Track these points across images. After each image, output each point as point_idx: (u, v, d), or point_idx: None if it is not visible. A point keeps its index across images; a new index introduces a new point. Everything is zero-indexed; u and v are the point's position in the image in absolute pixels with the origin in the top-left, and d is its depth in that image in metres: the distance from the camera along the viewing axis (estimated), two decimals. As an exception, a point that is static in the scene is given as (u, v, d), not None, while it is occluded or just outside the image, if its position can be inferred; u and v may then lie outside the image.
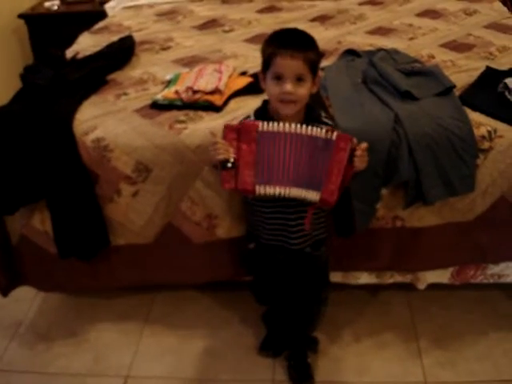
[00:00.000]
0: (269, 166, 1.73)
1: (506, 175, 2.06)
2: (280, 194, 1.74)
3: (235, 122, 1.94)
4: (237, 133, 1.72)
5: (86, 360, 2.29)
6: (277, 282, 2.07)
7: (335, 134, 1.69)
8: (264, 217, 1.90)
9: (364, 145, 1.72)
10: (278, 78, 1.71)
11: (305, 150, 1.71)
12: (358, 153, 1.70)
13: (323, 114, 1.86)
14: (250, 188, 1.74)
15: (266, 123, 1.71)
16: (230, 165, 1.72)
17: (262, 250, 1.99)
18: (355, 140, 1.72)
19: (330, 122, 1.84)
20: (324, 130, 1.69)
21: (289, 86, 1.69)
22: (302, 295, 2.06)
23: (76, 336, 2.40)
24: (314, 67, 1.74)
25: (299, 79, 1.71)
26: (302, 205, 1.80)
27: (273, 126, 1.70)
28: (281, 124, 1.70)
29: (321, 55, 2.59)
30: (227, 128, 1.75)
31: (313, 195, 1.73)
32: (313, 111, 1.83)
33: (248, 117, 1.87)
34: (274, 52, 1.71)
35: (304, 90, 1.73)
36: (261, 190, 1.74)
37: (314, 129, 1.70)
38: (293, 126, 1.70)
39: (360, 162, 1.71)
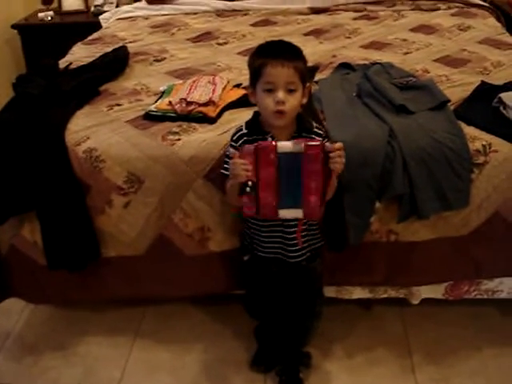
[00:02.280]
0: (289, 188, 1.71)
1: (500, 190, 2.06)
2: (297, 216, 1.76)
3: (227, 135, 1.94)
4: (255, 155, 1.67)
5: (75, 374, 2.25)
6: (270, 295, 2.05)
7: (302, 145, 1.66)
8: (261, 230, 1.89)
9: (338, 144, 1.70)
10: (270, 90, 1.71)
11: (297, 167, 1.69)
12: (333, 154, 1.68)
13: (315, 125, 1.86)
14: (274, 214, 1.73)
15: (281, 143, 1.68)
16: (248, 189, 1.67)
17: (258, 262, 1.97)
18: (328, 144, 1.70)
19: (321, 132, 1.84)
20: (294, 142, 1.68)
21: (281, 94, 1.69)
22: (295, 309, 2.04)
23: (65, 349, 2.36)
24: (303, 77, 1.74)
25: (290, 90, 1.71)
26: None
27: (289, 146, 1.68)
28: (288, 143, 1.68)
29: (316, 68, 2.62)
30: (244, 152, 1.69)
31: (298, 213, 1.73)
32: (304, 122, 1.83)
33: (240, 129, 1.86)
34: (264, 62, 1.71)
35: (295, 101, 1.73)
36: (285, 214, 1.75)
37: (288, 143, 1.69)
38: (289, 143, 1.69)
39: (337, 164, 1.69)
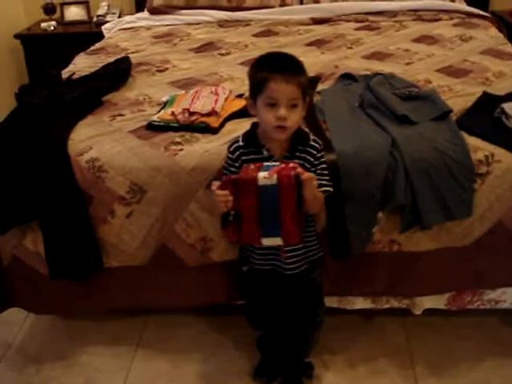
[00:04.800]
0: (271, 217, 1.72)
1: (503, 200, 2.06)
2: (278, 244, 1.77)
3: (225, 146, 1.95)
4: (234, 186, 1.70)
5: (76, 384, 2.25)
6: (270, 306, 2.05)
7: (274, 176, 1.66)
8: (254, 246, 1.90)
9: (307, 175, 1.69)
10: (272, 105, 1.71)
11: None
12: (305, 182, 1.67)
13: (311, 137, 1.85)
14: (257, 242, 1.76)
15: (262, 175, 1.68)
16: (231, 218, 1.71)
17: (256, 273, 1.97)
18: (299, 168, 1.69)
19: (317, 145, 1.84)
20: (265, 174, 1.68)
21: (283, 111, 1.69)
22: (296, 319, 2.04)
23: (66, 359, 2.35)
24: (305, 92, 1.75)
25: (293, 105, 1.71)
26: None
27: (270, 178, 1.68)
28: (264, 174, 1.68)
29: (318, 79, 2.63)
30: (224, 184, 1.72)
31: (277, 241, 1.75)
32: (300, 134, 1.83)
33: (237, 141, 1.87)
34: (267, 77, 1.70)
35: (297, 116, 1.74)
36: (267, 242, 1.76)
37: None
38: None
39: (309, 192, 1.69)
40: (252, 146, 1.82)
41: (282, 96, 1.69)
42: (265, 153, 1.80)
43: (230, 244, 2.10)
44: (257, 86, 1.74)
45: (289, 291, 1.98)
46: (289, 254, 1.87)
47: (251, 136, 1.84)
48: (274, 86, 1.69)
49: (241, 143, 1.85)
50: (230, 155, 1.86)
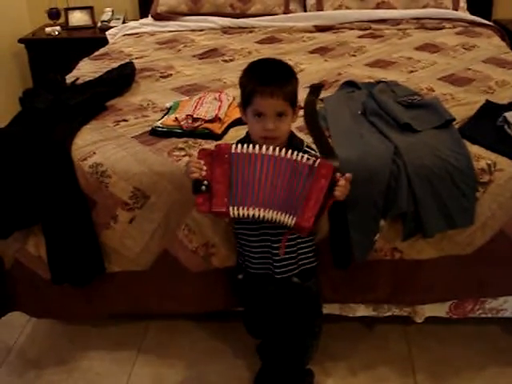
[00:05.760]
0: (243, 187, 1.72)
1: (505, 208, 2.06)
2: (254, 215, 1.72)
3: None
4: (211, 157, 1.73)
5: (77, 389, 2.25)
6: (267, 314, 2.05)
7: (318, 160, 1.69)
8: (250, 245, 1.90)
9: (348, 175, 1.72)
10: (259, 115, 1.72)
11: (283, 173, 1.70)
12: (341, 182, 1.70)
13: (305, 143, 1.85)
14: (224, 210, 1.73)
15: (240, 146, 1.72)
16: (204, 188, 1.72)
17: (251, 280, 1.98)
18: (338, 173, 1.72)
19: (312, 152, 1.84)
20: (307, 156, 1.70)
21: (271, 125, 1.70)
22: (293, 328, 2.03)
23: (67, 364, 2.35)
24: (293, 100, 1.75)
25: (280, 115, 1.71)
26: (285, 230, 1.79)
27: (247, 149, 1.71)
28: (256, 147, 1.71)
29: (321, 86, 2.63)
30: (201, 153, 1.76)
31: (288, 219, 1.71)
32: (294, 140, 1.84)
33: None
34: (253, 90, 1.71)
35: (285, 126, 1.74)
36: (235, 211, 1.73)
37: (295, 153, 1.70)
38: (270, 148, 1.70)
39: (341, 192, 1.71)
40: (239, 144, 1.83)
41: (268, 110, 1.70)
42: None
43: (232, 250, 2.10)
44: (246, 98, 1.76)
45: (284, 299, 1.98)
46: (279, 258, 1.87)
47: (245, 142, 1.85)
48: (260, 100, 1.70)
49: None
50: None
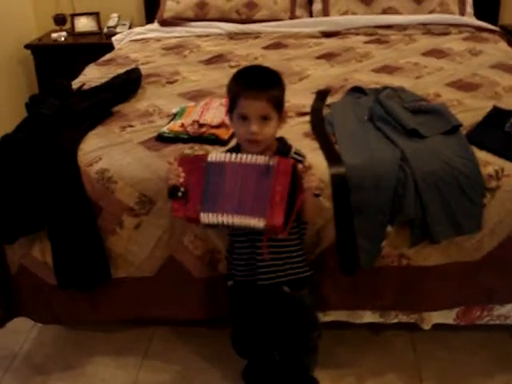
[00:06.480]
0: (215, 195, 1.74)
1: (513, 214, 2.05)
2: (223, 222, 1.74)
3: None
4: (190, 164, 1.78)
5: (82, 395, 2.24)
6: (256, 326, 2.03)
7: (275, 158, 1.70)
8: (237, 252, 1.90)
9: (307, 163, 1.74)
10: (244, 118, 1.72)
11: (250, 178, 1.72)
12: (304, 171, 1.70)
13: (293, 150, 1.84)
14: (195, 216, 1.76)
15: (216, 155, 1.75)
16: (180, 194, 1.75)
17: (238, 288, 1.96)
18: (301, 165, 1.72)
19: (300, 158, 1.82)
20: (267, 157, 1.71)
21: (254, 127, 1.70)
22: (285, 342, 2.02)
23: (73, 369, 2.35)
24: (278, 104, 1.75)
25: (265, 118, 1.71)
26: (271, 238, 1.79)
27: (220, 157, 1.74)
28: (227, 154, 1.74)
29: (327, 92, 2.62)
30: (181, 160, 1.80)
31: (258, 222, 1.71)
32: (283, 146, 1.84)
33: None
34: (238, 93, 1.72)
35: (270, 129, 1.74)
36: (205, 218, 1.75)
37: (257, 157, 1.71)
38: (239, 156, 1.72)
39: (308, 184, 1.69)
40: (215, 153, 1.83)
41: (251, 112, 1.70)
42: None
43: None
44: (231, 102, 1.77)
45: (275, 311, 1.96)
46: (264, 265, 1.86)
47: (234, 149, 1.86)
48: (244, 102, 1.71)
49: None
50: None
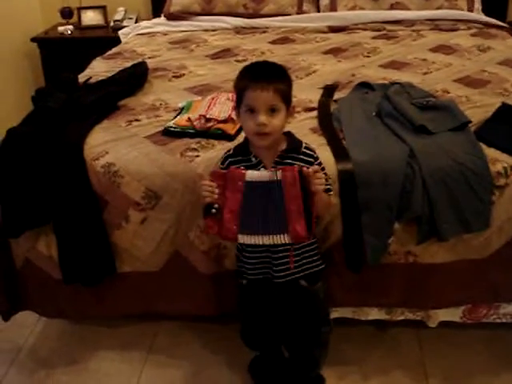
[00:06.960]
0: (247, 215, 1.75)
1: (522, 212, 2.03)
2: (256, 242, 1.78)
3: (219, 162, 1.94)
4: (223, 179, 1.75)
5: (86, 389, 2.24)
6: (269, 321, 2.03)
7: (279, 172, 1.71)
8: (250, 250, 1.89)
9: (315, 167, 1.73)
10: (251, 111, 1.72)
11: (265, 195, 1.73)
12: (311, 175, 1.69)
13: (304, 145, 1.84)
14: (233, 237, 1.78)
15: (251, 172, 1.74)
16: (214, 211, 1.75)
17: (253, 286, 1.96)
18: (305, 168, 1.72)
19: (311, 153, 1.82)
20: (273, 172, 1.72)
21: (262, 118, 1.70)
22: (299, 335, 2.01)
23: (77, 364, 2.34)
24: (286, 97, 1.75)
25: (272, 110, 1.71)
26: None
27: (259, 176, 1.73)
28: (263, 173, 1.74)
29: (335, 87, 2.61)
30: (213, 175, 1.77)
31: (283, 238, 1.75)
32: (293, 142, 1.83)
33: (229, 150, 1.88)
34: (244, 86, 1.73)
35: (277, 121, 1.73)
36: (242, 239, 1.78)
37: (263, 173, 1.74)
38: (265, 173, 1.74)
39: (317, 185, 1.70)
40: (241, 154, 1.83)
41: (259, 103, 1.70)
42: (253, 160, 1.81)
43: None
44: (238, 96, 1.76)
45: (290, 304, 1.96)
46: (284, 266, 1.86)
47: (242, 145, 1.86)
48: (251, 93, 1.70)
49: (231, 152, 1.87)
50: (220, 165, 1.88)
